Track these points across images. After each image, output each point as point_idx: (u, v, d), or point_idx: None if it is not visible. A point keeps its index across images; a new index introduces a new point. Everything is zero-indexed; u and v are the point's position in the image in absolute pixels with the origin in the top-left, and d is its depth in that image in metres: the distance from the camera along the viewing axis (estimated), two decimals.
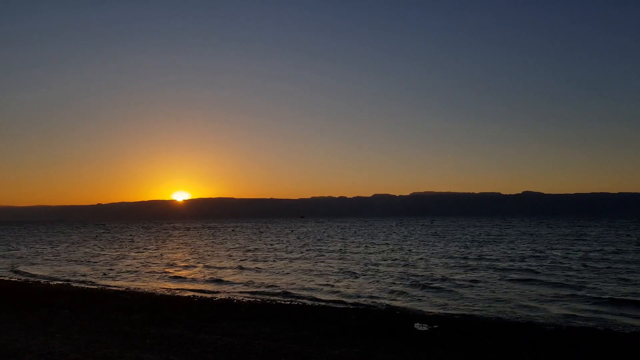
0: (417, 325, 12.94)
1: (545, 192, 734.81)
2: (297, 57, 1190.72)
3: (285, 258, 35.05)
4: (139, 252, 43.24)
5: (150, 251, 44.76)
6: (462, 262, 30.36)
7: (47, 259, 37.87)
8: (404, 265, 28.66)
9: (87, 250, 47.98)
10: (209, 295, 18.97)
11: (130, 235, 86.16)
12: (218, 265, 31.01)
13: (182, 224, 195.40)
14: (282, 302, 17.25)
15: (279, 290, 20.13)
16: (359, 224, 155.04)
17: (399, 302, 17.22)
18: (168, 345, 9.62)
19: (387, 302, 17.28)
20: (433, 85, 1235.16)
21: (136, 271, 28.22)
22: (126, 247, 51.97)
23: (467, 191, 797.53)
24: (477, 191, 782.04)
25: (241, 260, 34.01)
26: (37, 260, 37.33)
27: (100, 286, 22.37)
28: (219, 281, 23.34)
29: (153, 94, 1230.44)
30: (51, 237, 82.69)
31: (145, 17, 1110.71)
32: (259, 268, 28.73)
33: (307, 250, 42.93)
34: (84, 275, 26.85)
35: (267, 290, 20.49)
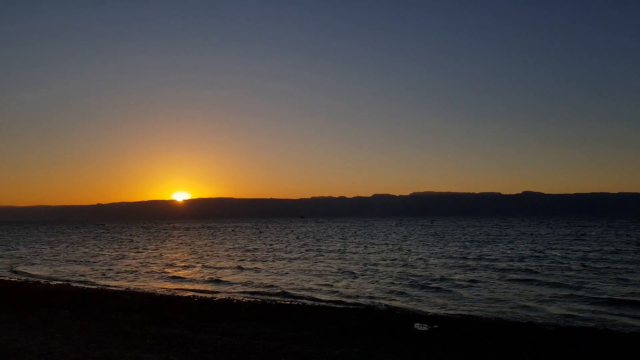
0: (417, 325, 12.94)
1: (545, 192, 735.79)
2: (297, 57, 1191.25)
3: (284, 258, 35.05)
4: (138, 252, 43.24)
5: (149, 251, 44.76)
6: (461, 262, 30.37)
7: (46, 259, 37.86)
8: (403, 265, 28.67)
9: (87, 250, 47.97)
10: (209, 295, 18.98)
11: (130, 235, 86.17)
12: (217, 265, 31.01)
13: (182, 224, 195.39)
14: (282, 302, 17.26)
15: (278, 290, 20.14)
16: (358, 224, 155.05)
17: (399, 302, 17.22)
18: (168, 345, 9.63)
19: (387, 302, 17.29)
20: (433, 85, 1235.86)
21: (135, 271, 28.22)
22: (126, 247, 51.97)
23: (467, 191, 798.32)
24: (477, 191, 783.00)
25: (240, 260, 34.01)
26: (36, 260, 37.33)
27: (100, 286, 22.38)
28: (218, 281, 23.34)
29: (153, 94, 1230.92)
30: (51, 237, 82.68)
31: (145, 17, 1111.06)
32: (258, 268, 28.73)
33: (306, 250, 42.93)
34: (83, 275, 26.86)
35: (266, 290, 20.50)
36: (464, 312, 15.32)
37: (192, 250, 45.62)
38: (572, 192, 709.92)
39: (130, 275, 26.66)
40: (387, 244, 50.31)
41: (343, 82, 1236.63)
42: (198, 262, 32.77)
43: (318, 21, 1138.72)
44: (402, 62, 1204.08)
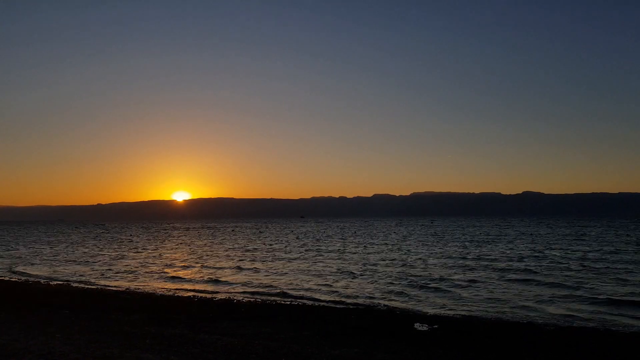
0: (417, 325, 12.95)
1: (545, 192, 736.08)
2: (297, 57, 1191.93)
3: (284, 258, 35.06)
4: (138, 252, 43.23)
5: (149, 251, 44.76)
6: (460, 262, 30.37)
7: (46, 259, 37.85)
8: (403, 266, 28.67)
9: (86, 250, 47.96)
10: (209, 295, 18.98)
11: (130, 235, 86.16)
12: (217, 265, 31.02)
13: (181, 224, 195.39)
14: (282, 302, 17.26)
15: (277, 291, 20.13)
16: (358, 224, 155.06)
17: (398, 302, 17.23)
18: (168, 345, 9.63)
19: (386, 302, 17.30)
20: (433, 85, 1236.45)
21: (135, 271, 28.22)
22: (125, 247, 51.96)
23: (467, 191, 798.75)
24: (477, 191, 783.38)
25: (240, 260, 34.01)
26: (36, 260, 37.32)
27: (100, 286, 22.38)
28: (218, 281, 23.34)
29: (153, 94, 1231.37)
30: (50, 237, 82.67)
31: (145, 17, 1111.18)
32: (258, 268, 28.73)
33: (306, 250, 42.93)
34: (82, 276, 26.85)
35: (265, 290, 20.49)
36: (463, 312, 15.32)
37: (192, 250, 45.62)
38: (572, 192, 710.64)
39: (129, 275, 26.66)
40: (386, 244, 50.32)
41: (343, 82, 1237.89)
42: (198, 262, 32.77)
43: (318, 21, 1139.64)
44: (402, 62, 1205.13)
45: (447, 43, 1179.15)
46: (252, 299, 18.20)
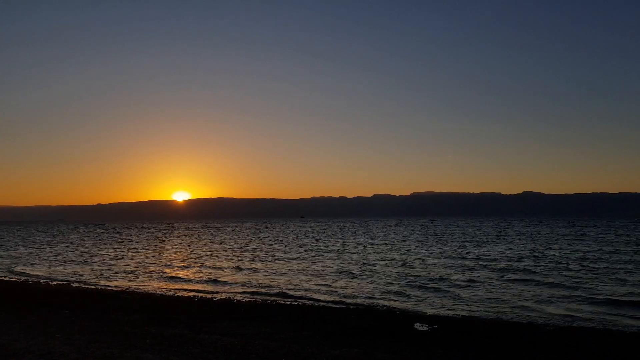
0: (417, 325, 12.95)
1: (545, 192, 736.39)
2: (297, 57, 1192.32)
3: (283, 258, 35.05)
4: (137, 252, 43.23)
5: (148, 251, 44.75)
6: (460, 262, 30.37)
7: (45, 259, 37.85)
8: (403, 266, 28.67)
9: (86, 250, 47.96)
10: (209, 295, 18.98)
11: (130, 235, 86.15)
12: (216, 265, 31.02)
13: (181, 224, 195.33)
14: (282, 302, 17.26)
15: (276, 291, 20.13)
16: (358, 224, 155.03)
17: (398, 303, 17.23)
18: (168, 345, 9.63)
19: (386, 302, 17.30)
20: (433, 85, 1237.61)
21: (135, 271, 28.22)
22: (125, 247, 51.96)
23: (467, 191, 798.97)
24: (477, 191, 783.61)
25: (239, 260, 34.01)
26: (35, 260, 37.31)
27: (99, 286, 22.38)
28: (218, 281, 23.33)
29: (153, 94, 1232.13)
30: (50, 237, 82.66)
31: (145, 17, 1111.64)
32: (257, 268, 28.73)
33: (305, 250, 42.93)
34: (82, 276, 26.85)
35: (265, 290, 20.48)
36: (463, 313, 15.32)
37: (191, 250, 45.62)
38: (572, 192, 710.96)
39: (129, 275, 26.66)
40: (386, 244, 50.32)
41: (343, 82, 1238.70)
42: (197, 262, 32.77)
43: (318, 21, 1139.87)
44: (402, 62, 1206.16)
45: (447, 43, 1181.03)
46: (252, 299, 18.20)
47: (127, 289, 21.32)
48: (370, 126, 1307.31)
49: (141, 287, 21.99)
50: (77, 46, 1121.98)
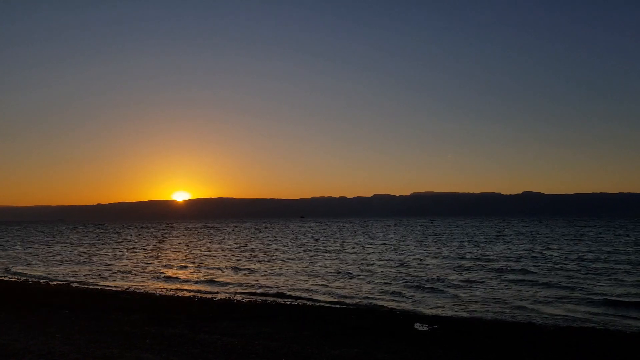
0: (417, 325, 12.94)
1: (545, 192, 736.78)
2: (297, 57, 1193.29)
3: (282, 258, 35.05)
4: (136, 253, 43.23)
5: (147, 251, 44.75)
6: (459, 262, 30.38)
7: (44, 259, 37.84)
8: (402, 266, 28.67)
9: (85, 250, 47.95)
10: (209, 296, 18.98)
11: (130, 235, 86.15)
12: (215, 265, 31.01)
13: (181, 224, 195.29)
14: (282, 303, 17.25)
15: (276, 291, 20.14)
16: (358, 224, 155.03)
17: (398, 303, 17.23)
18: (168, 345, 9.62)
19: (386, 302, 17.30)
20: (433, 85, 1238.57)
21: (134, 271, 28.21)
22: (124, 247, 51.95)
23: (467, 191, 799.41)
24: (477, 191, 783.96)
25: (237, 260, 34.02)
26: (34, 260, 37.31)
27: (99, 286, 22.37)
28: (217, 281, 23.33)
29: (153, 94, 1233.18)
30: (49, 237, 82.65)
31: (145, 17, 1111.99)
32: (257, 268, 28.73)
33: (304, 250, 42.94)
34: (80, 276, 26.84)
35: (264, 290, 20.49)
36: (463, 313, 15.33)
37: (191, 250, 45.62)
38: (572, 192, 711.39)
39: (128, 275, 26.66)
40: (385, 244, 50.32)
41: (343, 82, 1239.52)
42: (196, 263, 32.77)
43: (318, 21, 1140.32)
44: (402, 62, 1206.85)
45: (447, 43, 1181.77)
46: (252, 299, 18.20)
47: (127, 289, 21.31)
48: (370, 126, 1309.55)
49: (141, 287, 21.98)
50: (77, 46, 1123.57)
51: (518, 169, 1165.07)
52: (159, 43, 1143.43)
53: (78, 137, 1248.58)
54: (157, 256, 38.85)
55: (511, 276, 23.32)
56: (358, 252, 39.86)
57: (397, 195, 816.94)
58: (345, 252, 39.46)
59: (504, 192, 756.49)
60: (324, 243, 53.48)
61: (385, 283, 21.68)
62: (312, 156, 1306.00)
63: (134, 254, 41.78)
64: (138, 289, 21.37)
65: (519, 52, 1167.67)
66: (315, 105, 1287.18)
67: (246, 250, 43.51)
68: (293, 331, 11.67)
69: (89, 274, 27.36)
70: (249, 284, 22.29)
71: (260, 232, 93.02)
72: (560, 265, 27.53)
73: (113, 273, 27.67)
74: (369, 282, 22.03)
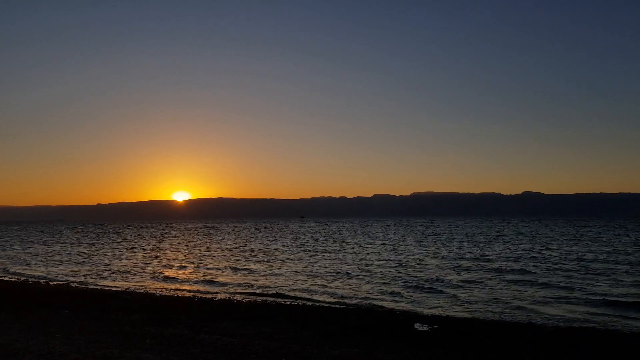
0: (417, 325, 12.94)
1: (545, 192, 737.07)
2: (297, 57, 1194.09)
3: (281, 258, 35.05)
4: (135, 253, 43.22)
5: (146, 251, 44.74)
6: (459, 262, 30.38)
7: (43, 259, 37.83)
8: (401, 266, 28.67)
9: (84, 250, 47.94)
10: (209, 296, 18.98)
11: (130, 235, 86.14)
12: (215, 265, 31.02)
13: (181, 224, 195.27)
14: (282, 303, 17.25)
15: (275, 291, 20.14)
16: (357, 224, 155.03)
17: (397, 303, 17.23)
18: (168, 345, 9.62)
19: (386, 302, 17.30)
20: (433, 85, 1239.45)
21: (132, 272, 28.21)
22: (123, 247, 51.95)
23: (467, 191, 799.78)
24: (477, 191, 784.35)
25: (237, 260, 34.02)
26: (33, 260, 37.30)
27: (99, 286, 22.37)
28: (217, 282, 23.33)
29: (153, 94, 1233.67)
30: (49, 237, 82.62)
31: (145, 17, 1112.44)
32: (256, 269, 28.73)
33: (304, 250, 42.94)
34: (79, 276, 26.84)
35: (264, 290, 20.49)
36: (463, 313, 15.33)
37: (190, 250, 45.61)
38: (572, 192, 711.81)
39: (128, 275, 26.65)
40: (384, 244, 50.32)
41: (343, 82, 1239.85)
42: (196, 263, 32.76)
43: (318, 21, 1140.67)
44: (402, 62, 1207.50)
45: (447, 43, 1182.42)
46: (251, 299, 18.20)
47: (127, 289, 21.31)
48: (370, 126, 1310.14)
49: (141, 287, 21.98)
50: (77, 46, 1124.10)
51: (518, 169, 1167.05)
52: (159, 43, 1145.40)
53: (78, 137, 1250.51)
54: (157, 256, 38.85)
55: (510, 276, 23.32)
56: (357, 252, 39.86)
57: (397, 195, 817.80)
58: (344, 252, 39.46)
59: (504, 192, 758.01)
60: (323, 243, 53.48)
61: (385, 283, 21.68)
62: (312, 156, 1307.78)
63: (133, 254, 41.77)
64: (138, 289, 21.37)
65: (519, 52, 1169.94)
66: (315, 105, 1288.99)
67: (246, 251, 43.50)
68: (293, 331, 11.67)
69: (88, 274, 27.36)
70: (248, 284, 22.28)
71: (259, 232, 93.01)
72: (560, 266, 27.54)
73: (112, 273, 27.67)
74: (368, 282, 22.03)
